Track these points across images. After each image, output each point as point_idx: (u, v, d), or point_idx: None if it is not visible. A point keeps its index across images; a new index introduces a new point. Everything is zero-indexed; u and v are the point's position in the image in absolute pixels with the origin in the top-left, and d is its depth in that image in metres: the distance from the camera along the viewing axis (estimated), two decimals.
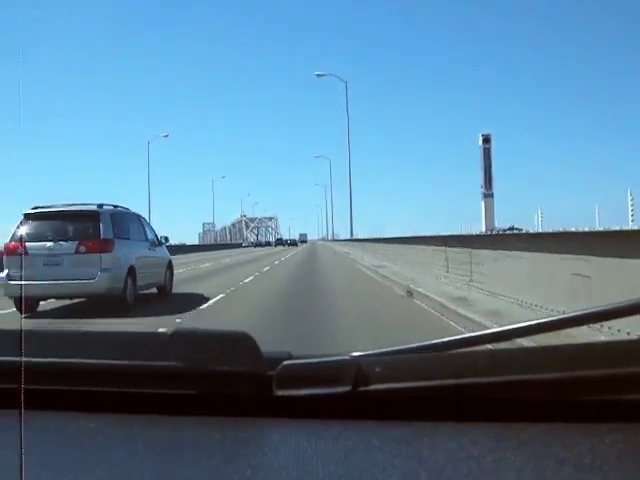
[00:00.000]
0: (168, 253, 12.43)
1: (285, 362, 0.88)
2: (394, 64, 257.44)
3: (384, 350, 0.91)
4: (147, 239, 11.17)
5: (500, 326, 0.93)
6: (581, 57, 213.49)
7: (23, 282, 9.08)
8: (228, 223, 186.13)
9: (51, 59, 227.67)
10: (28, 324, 7.44)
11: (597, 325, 4.71)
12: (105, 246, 9.12)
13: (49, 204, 9.88)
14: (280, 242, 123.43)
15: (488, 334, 0.91)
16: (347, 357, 0.88)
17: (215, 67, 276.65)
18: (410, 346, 0.91)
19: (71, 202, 9.82)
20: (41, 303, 9.70)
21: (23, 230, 9.40)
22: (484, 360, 0.88)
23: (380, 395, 0.86)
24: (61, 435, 0.88)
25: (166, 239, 12.52)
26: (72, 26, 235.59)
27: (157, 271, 11.27)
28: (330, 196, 77.50)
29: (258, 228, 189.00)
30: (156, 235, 11.96)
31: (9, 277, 9.08)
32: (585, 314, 0.87)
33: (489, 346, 0.92)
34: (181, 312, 8.89)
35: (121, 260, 9.44)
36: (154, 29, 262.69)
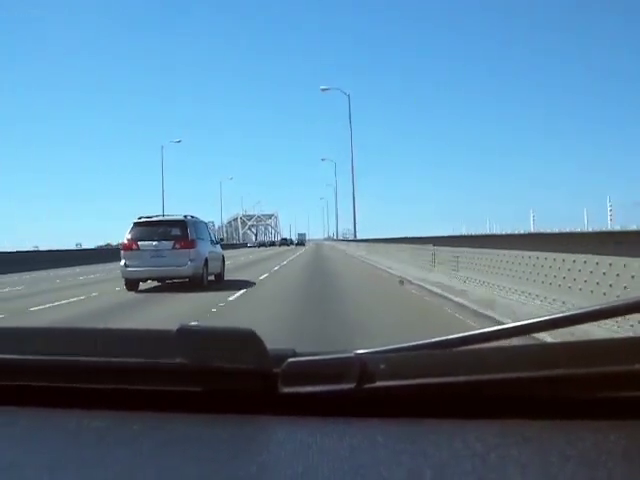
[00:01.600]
0: (222, 250, 17.02)
1: (290, 359, 0.88)
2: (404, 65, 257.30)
3: (389, 347, 0.91)
4: (211, 239, 15.89)
5: (505, 323, 0.92)
6: None
7: (136, 269, 13.62)
8: (224, 221, 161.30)
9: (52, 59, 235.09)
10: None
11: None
12: (191, 244, 13.72)
13: (148, 215, 14.81)
14: (285, 242, 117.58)
15: (492, 331, 0.91)
16: (352, 354, 0.89)
17: (212, 65, 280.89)
18: (414, 344, 0.92)
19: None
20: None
21: (134, 233, 14.01)
22: (488, 357, 0.88)
23: (385, 392, 0.86)
24: (65, 433, 0.89)
25: (221, 240, 17.63)
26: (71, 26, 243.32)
27: (217, 263, 15.61)
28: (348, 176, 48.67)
29: (257, 226, 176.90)
30: (215, 236, 17.04)
31: (126, 265, 13.71)
32: (598, 310, 0.87)
33: (493, 343, 0.91)
34: (236, 290, 13.02)
35: (201, 254, 14.03)
36: (154, 28, 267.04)
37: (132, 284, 13.82)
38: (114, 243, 54.96)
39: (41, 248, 41.56)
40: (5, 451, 0.82)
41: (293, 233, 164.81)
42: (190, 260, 13.60)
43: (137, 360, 0.92)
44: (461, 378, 0.84)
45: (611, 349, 0.86)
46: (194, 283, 13.70)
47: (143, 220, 14.51)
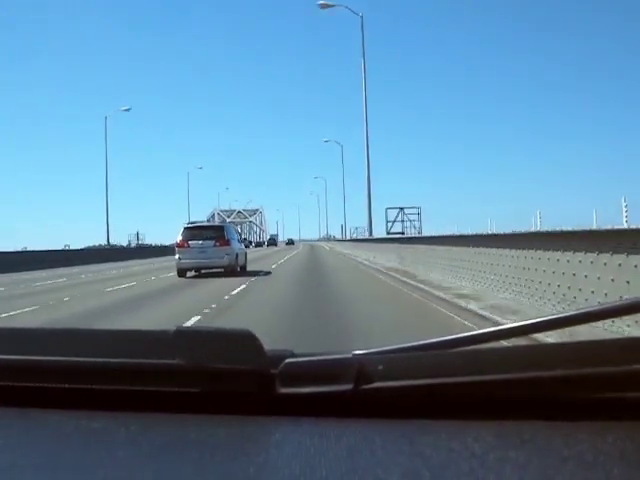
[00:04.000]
0: (244, 247, 22.77)
1: (288, 360, 0.89)
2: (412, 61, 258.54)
3: (387, 348, 0.92)
4: (238, 240, 20.92)
5: (503, 324, 0.92)
6: None
7: (187, 261, 18.36)
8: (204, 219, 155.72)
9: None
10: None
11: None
12: (228, 243, 18.49)
13: (194, 220, 21.39)
14: (273, 242, 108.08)
15: (490, 332, 0.92)
16: (350, 355, 0.89)
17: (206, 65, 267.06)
18: (412, 344, 0.91)
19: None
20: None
21: (185, 235, 18.64)
22: (486, 358, 0.89)
23: (383, 393, 0.87)
24: (63, 434, 0.89)
25: (245, 239, 24.10)
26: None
27: (243, 257, 20.50)
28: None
29: (241, 224, 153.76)
30: (240, 236, 22.98)
31: (180, 258, 18.26)
32: (595, 311, 0.88)
33: (491, 344, 0.91)
34: (254, 276, 17.74)
35: (234, 250, 18.78)
36: (147, 27, 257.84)
37: (183, 272, 18.34)
38: (103, 243, 59.89)
39: (29, 249, 41.95)
40: (2, 452, 0.82)
41: (281, 232, 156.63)
42: (227, 254, 18.38)
43: (134, 361, 0.94)
44: (459, 379, 0.85)
45: (609, 350, 0.86)
46: (228, 271, 18.32)
47: (191, 225, 19.91)
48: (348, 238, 54.66)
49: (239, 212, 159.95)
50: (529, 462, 0.73)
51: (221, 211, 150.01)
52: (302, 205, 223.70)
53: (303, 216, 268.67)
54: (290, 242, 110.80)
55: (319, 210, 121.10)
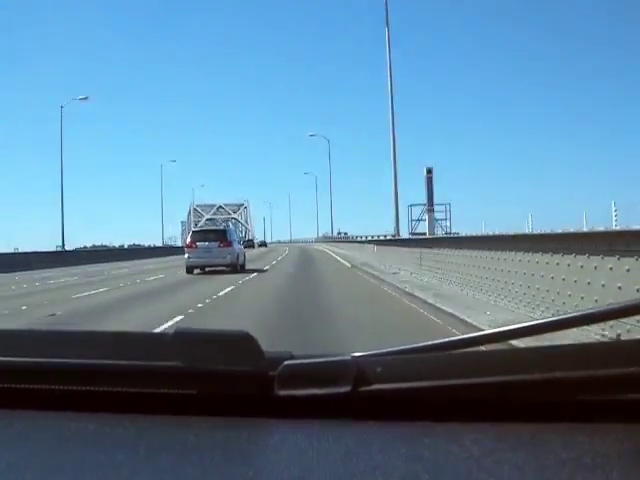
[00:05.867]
0: (243, 247, 25.34)
1: (286, 362, 0.89)
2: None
3: (385, 350, 0.92)
4: (238, 241, 23.80)
5: (501, 327, 0.91)
6: None
7: (195, 259, 20.70)
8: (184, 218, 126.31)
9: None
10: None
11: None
12: (230, 244, 20.84)
13: (202, 225, 27.28)
14: (250, 244, 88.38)
15: (489, 334, 0.92)
16: (348, 357, 0.89)
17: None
18: (411, 347, 0.92)
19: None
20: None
21: (193, 237, 21.20)
22: (485, 360, 0.90)
23: (381, 395, 0.87)
24: (61, 435, 0.89)
25: (244, 241, 30.82)
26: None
27: (242, 257, 22.59)
28: None
29: (226, 221, 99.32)
30: (241, 239, 25.50)
31: (189, 257, 20.66)
32: (589, 314, 0.88)
33: (490, 346, 0.92)
34: (253, 273, 19.92)
35: (235, 250, 21.10)
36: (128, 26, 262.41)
37: (191, 269, 20.62)
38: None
39: (20, 250, 40.39)
40: (2, 454, 0.82)
41: (268, 230, 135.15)
42: (229, 254, 20.74)
43: (133, 362, 0.94)
44: (457, 381, 0.86)
45: (607, 352, 0.88)
46: (230, 269, 20.63)
47: (199, 229, 23.93)
48: (401, 236, 24.72)
49: (220, 207, 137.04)
50: (527, 464, 0.74)
51: (198, 206, 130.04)
52: (294, 196, 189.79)
53: (296, 214, 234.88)
54: (262, 244, 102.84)
55: (317, 195, 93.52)
